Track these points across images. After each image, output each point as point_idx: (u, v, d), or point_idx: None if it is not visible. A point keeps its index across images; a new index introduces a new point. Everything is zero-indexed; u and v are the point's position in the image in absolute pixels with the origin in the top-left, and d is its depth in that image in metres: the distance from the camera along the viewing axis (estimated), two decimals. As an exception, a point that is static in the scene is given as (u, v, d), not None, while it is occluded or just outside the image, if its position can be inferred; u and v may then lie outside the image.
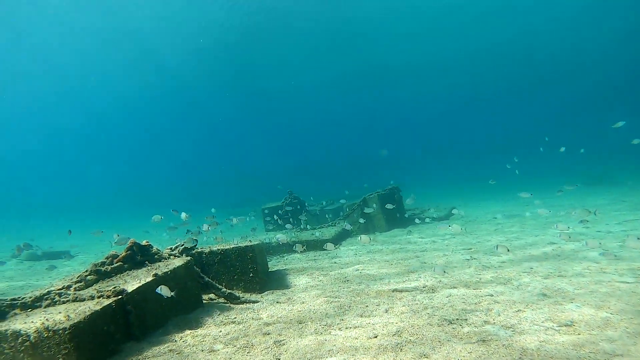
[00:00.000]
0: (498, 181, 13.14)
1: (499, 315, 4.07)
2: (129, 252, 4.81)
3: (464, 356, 3.15)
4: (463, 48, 60.50)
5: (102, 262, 4.67)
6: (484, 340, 3.42)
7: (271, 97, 68.50)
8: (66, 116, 73.32)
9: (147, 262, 4.88)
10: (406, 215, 14.03)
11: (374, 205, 13.26)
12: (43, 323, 3.35)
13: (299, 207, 14.05)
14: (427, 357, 3.19)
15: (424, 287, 5.47)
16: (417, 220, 13.29)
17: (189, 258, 5.08)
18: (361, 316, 4.42)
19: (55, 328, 3.26)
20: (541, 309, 4.18)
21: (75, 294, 3.91)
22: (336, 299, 5.15)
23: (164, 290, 3.98)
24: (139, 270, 4.65)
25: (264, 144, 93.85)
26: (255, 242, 6.10)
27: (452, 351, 3.26)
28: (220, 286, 5.25)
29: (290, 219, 13.87)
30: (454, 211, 14.40)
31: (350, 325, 4.08)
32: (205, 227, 7.48)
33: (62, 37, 51.48)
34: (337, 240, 10.88)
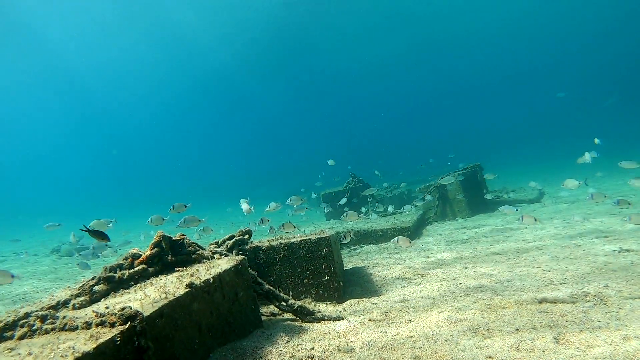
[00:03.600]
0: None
1: None
2: (155, 249, 3.32)
3: None
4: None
5: (118, 264, 3.22)
6: None
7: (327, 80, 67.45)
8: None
9: (179, 266, 3.38)
10: (490, 197, 11.83)
11: (453, 186, 11.21)
12: (-11, 381, 1.90)
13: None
14: None
15: (585, 296, 3.56)
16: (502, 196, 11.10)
17: (241, 257, 3.51)
18: (517, 349, 2.63)
19: (7, 391, 1.79)
20: None
21: (65, 317, 2.45)
22: (460, 315, 3.37)
23: None
24: (169, 277, 3.14)
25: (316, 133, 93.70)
26: (330, 233, 4.42)
27: None
28: (285, 296, 3.64)
29: (349, 203, 12.16)
30: (531, 183, 12.07)
31: (508, 369, 2.32)
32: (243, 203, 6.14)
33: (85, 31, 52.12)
34: (417, 228, 9.02)
